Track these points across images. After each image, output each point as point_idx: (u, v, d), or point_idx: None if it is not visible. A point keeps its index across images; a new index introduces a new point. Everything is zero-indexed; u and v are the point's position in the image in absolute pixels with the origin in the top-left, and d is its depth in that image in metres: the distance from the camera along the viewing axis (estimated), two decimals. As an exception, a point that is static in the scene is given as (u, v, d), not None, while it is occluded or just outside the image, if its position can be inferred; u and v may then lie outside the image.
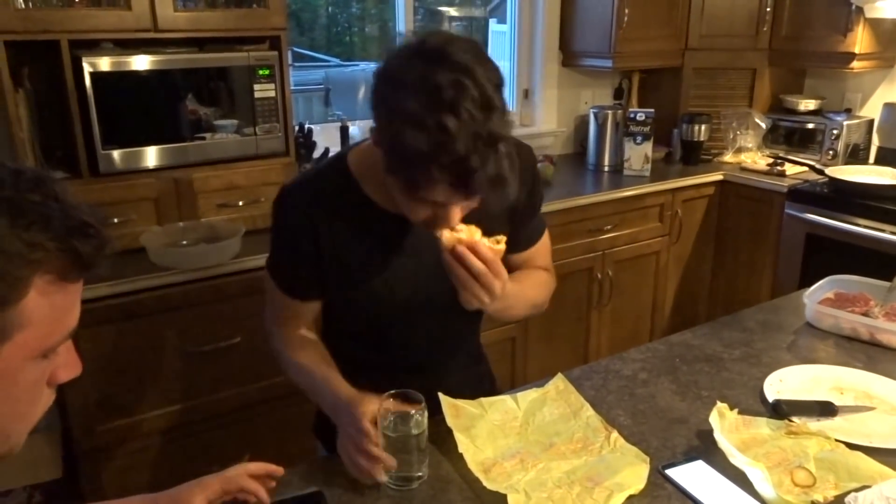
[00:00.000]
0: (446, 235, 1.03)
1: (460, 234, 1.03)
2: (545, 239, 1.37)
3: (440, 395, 1.16)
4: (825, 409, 1.21)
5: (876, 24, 2.91)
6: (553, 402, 1.24)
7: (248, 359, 2.06)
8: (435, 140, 0.91)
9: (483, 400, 1.21)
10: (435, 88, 0.92)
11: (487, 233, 1.06)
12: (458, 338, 1.37)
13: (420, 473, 1.08)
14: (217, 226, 2.09)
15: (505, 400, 1.23)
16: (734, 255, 3.18)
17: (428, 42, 0.97)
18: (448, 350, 1.35)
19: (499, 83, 0.98)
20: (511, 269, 1.22)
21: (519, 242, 1.28)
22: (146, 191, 2.05)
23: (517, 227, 1.25)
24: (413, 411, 1.06)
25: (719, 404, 1.15)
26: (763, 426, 1.16)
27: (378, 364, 1.30)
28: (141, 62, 1.97)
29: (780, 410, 1.19)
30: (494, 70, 0.98)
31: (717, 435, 1.09)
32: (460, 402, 1.17)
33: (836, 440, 1.11)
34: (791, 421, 1.16)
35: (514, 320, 1.40)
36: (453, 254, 1.03)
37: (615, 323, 3.03)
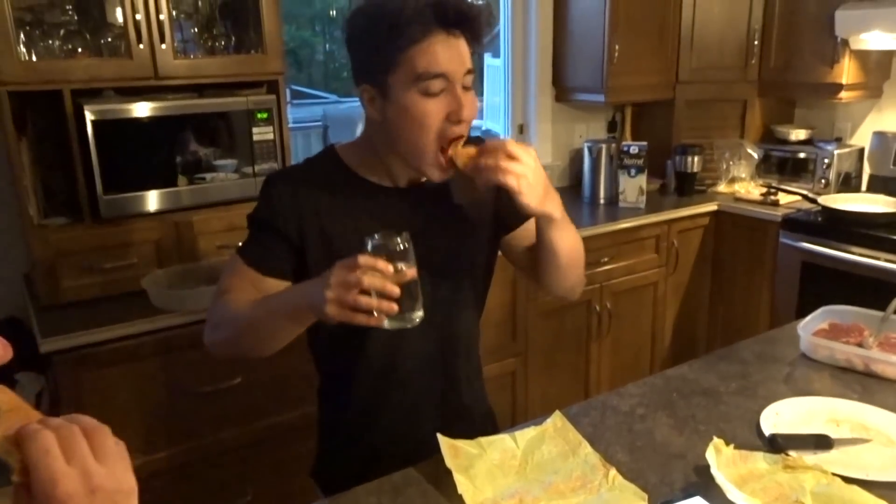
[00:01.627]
0: (454, 150, 1.11)
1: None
2: None
3: (438, 435, 1.16)
4: (821, 443, 1.21)
5: (862, 56, 2.97)
6: (551, 440, 1.24)
7: (248, 399, 2.07)
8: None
9: (481, 439, 1.22)
10: None
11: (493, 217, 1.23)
12: (459, 347, 1.35)
13: (419, 312, 1.04)
14: (217, 267, 2.11)
15: (503, 439, 1.24)
16: (731, 284, 3.20)
17: None
18: (449, 358, 1.33)
19: None
20: (529, 239, 1.32)
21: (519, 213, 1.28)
22: (147, 234, 2.07)
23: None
24: (397, 235, 1.03)
25: (715, 439, 1.16)
26: (760, 460, 1.17)
27: (373, 394, 1.29)
28: (142, 109, 2.01)
29: (777, 444, 1.20)
30: None
31: (714, 471, 1.10)
32: (458, 443, 1.18)
33: (833, 474, 1.11)
34: (787, 455, 1.17)
35: (568, 282, 1.32)
36: (474, 170, 1.09)
37: (615, 354, 3.04)
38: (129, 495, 0.57)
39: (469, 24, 1.10)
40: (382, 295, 0.98)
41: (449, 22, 1.08)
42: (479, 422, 1.40)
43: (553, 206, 1.18)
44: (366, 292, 0.97)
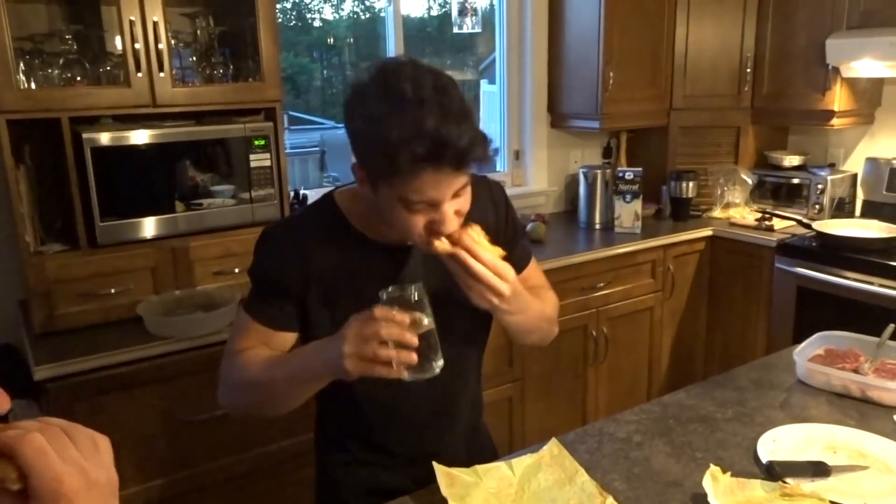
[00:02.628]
0: (441, 244, 1.07)
1: (463, 238, 1.08)
2: (534, 262, 1.41)
3: (434, 464, 1.16)
4: (819, 470, 1.21)
5: (853, 83, 3.01)
6: (548, 468, 1.24)
7: (243, 427, 2.05)
8: (409, 121, 0.99)
9: (478, 467, 1.21)
10: (398, 89, 1.01)
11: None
12: (459, 382, 1.35)
13: (439, 361, 1.03)
14: (213, 293, 2.11)
15: (500, 467, 1.23)
16: (728, 309, 3.20)
17: (387, 62, 1.08)
18: (449, 395, 1.33)
19: (454, 83, 1.07)
20: None
21: (512, 261, 1.29)
22: (143, 261, 2.07)
23: (510, 249, 1.27)
24: (411, 286, 1.03)
25: (712, 467, 1.16)
26: (758, 488, 1.16)
27: (373, 423, 1.29)
28: (140, 136, 2.03)
29: (774, 472, 1.20)
30: (448, 76, 1.08)
31: (712, 499, 1.09)
32: (455, 471, 1.18)
33: (831, 501, 1.11)
34: (785, 482, 1.17)
35: (531, 340, 1.38)
36: (454, 258, 1.07)
37: (612, 380, 3.03)
38: (116, 488, 0.59)
39: (464, 167, 1.05)
40: (401, 347, 0.98)
41: (443, 165, 1.02)
42: (479, 452, 1.39)
43: (515, 309, 1.19)
44: (384, 345, 0.98)
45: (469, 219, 1.29)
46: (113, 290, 2.03)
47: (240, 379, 1.18)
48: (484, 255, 1.08)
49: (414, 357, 0.99)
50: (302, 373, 1.11)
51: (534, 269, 1.40)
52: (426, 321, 1.02)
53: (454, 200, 1.09)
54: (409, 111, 0.99)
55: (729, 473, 1.18)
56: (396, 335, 0.98)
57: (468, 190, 1.11)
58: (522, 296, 1.20)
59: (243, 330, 1.22)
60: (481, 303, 1.11)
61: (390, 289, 1.03)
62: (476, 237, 1.10)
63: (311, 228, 1.22)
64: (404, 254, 1.23)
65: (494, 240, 1.15)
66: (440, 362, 1.04)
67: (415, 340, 0.99)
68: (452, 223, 1.09)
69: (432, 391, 1.29)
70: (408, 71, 1.03)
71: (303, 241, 1.20)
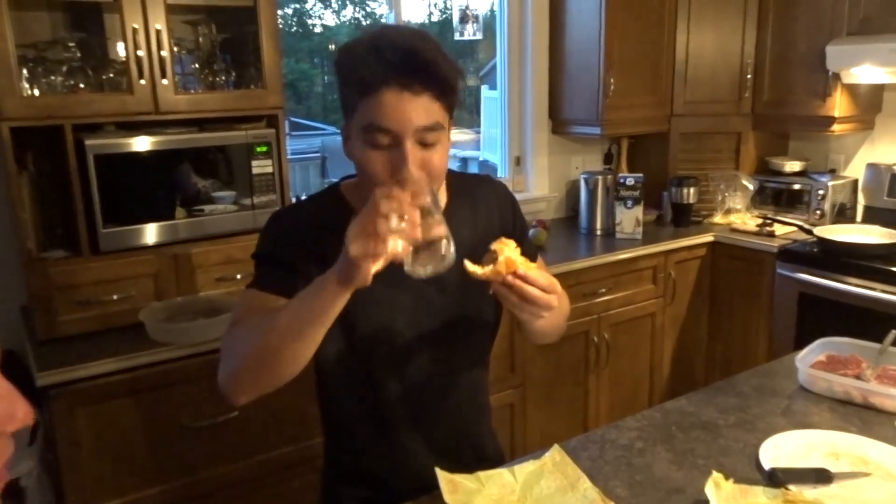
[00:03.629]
0: (487, 273, 1.04)
1: (499, 258, 1.04)
2: (542, 261, 1.40)
3: (437, 470, 1.16)
4: (821, 477, 1.21)
5: (853, 89, 3.01)
6: (550, 475, 1.24)
7: (244, 434, 2.05)
8: (381, 37, 1.06)
9: (480, 474, 1.21)
10: (380, 33, 1.09)
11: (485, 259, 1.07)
12: (464, 381, 1.34)
13: (451, 248, 0.98)
14: (215, 300, 2.11)
15: (502, 473, 1.23)
16: (729, 314, 3.20)
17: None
18: (453, 399, 1.32)
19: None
20: None
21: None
22: (146, 267, 2.08)
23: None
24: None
25: (714, 474, 1.16)
26: (760, 495, 1.16)
27: (375, 419, 1.28)
28: (142, 143, 2.03)
29: (776, 479, 1.20)
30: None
31: (714, 506, 1.09)
32: (457, 478, 1.17)
33: (833, 508, 1.11)
34: (787, 489, 1.16)
35: (548, 340, 1.36)
36: (506, 284, 1.05)
37: (614, 386, 3.02)
38: None
39: (426, 78, 1.05)
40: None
41: (402, 72, 1.03)
42: (486, 458, 1.39)
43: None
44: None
45: (476, 219, 1.30)
46: (115, 297, 2.03)
47: (242, 342, 1.07)
48: (537, 278, 1.06)
49: (418, 232, 0.93)
50: (307, 300, 1.01)
51: (542, 268, 1.40)
52: (437, 227, 0.97)
53: (422, 149, 1.07)
54: (383, 39, 1.05)
55: (731, 480, 1.17)
56: (396, 208, 0.92)
57: (441, 150, 1.10)
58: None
59: (245, 305, 1.15)
60: (532, 319, 1.10)
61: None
62: (513, 255, 1.05)
63: (316, 214, 1.22)
64: None
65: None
66: (452, 248, 0.98)
67: (416, 214, 0.93)
68: (414, 172, 1.04)
69: (440, 397, 1.29)
70: (399, 26, 1.12)
71: (307, 225, 1.20)
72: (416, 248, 0.97)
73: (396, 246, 0.92)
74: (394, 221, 0.91)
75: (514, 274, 1.05)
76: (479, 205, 1.33)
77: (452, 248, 0.99)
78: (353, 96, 1.08)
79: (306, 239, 1.18)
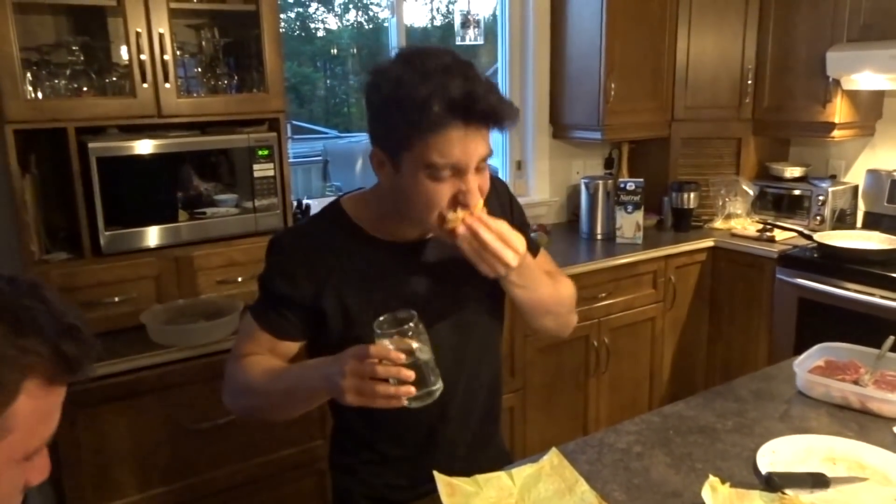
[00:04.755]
0: (451, 215, 1.10)
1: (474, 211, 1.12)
2: (545, 253, 1.45)
3: (435, 473, 1.16)
4: (818, 481, 1.21)
5: (853, 96, 3.02)
6: (548, 478, 1.24)
7: (244, 437, 2.06)
8: (437, 80, 1.04)
9: (478, 477, 1.21)
10: (421, 60, 1.07)
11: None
12: (474, 387, 1.35)
13: (438, 385, 1.05)
14: (216, 302, 2.12)
15: (500, 476, 1.23)
16: (729, 319, 3.20)
17: (404, 47, 1.16)
18: (463, 402, 1.33)
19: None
20: None
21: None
22: (147, 269, 2.09)
23: None
24: (406, 313, 1.05)
25: (711, 478, 1.16)
26: (757, 499, 1.17)
27: (387, 428, 1.29)
28: (145, 146, 2.04)
29: (773, 483, 1.20)
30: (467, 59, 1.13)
31: (711, 510, 1.10)
32: (455, 481, 1.18)
33: (830, 513, 1.11)
34: (784, 494, 1.17)
35: (547, 325, 1.36)
36: (466, 231, 1.10)
37: (614, 390, 3.03)
38: None
39: (489, 118, 1.09)
40: (399, 382, 1.01)
41: (472, 118, 1.06)
42: (492, 461, 1.39)
43: (524, 283, 1.22)
44: (382, 382, 1.00)
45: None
46: (116, 299, 2.04)
47: (242, 384, 1.20)
48: (493, 223, 1.11)
49: (412, 390, 1.01)
50: (303, 390, 1.14)
51: (545, 258, 1.44)
52: (422, 351, 1.04)
53: (478, 174, 1.12)
54: (435, 75, 1.04)
55: (728, 484, 1.18)
56: (394, 373, 1.00)
57: (488, 167, 1.14)
58: (533, 271, 1.24)
59: (249, 335, 1.24)
60: (490, 273, 1.13)
61: (383, 318, 1.05)
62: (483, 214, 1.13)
63: (320, 233, 1.24)
64: (414, 252, 1.24)
65: None
66: (439, 385, 1.06)
67: (411, 375, 1.01)
68: (477, 196, 1.11)
69: (450, 401, 1.29)
70: (428, 50, 1.10)
71: (312, 247, 1.21)
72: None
73: (389, 403, 1.01)
74: (391, 382, 1.00)
75: (472, 215, 1.11)
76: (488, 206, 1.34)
77: (438, 387, 1.06)
78: (409, 133, 1.07)
79: (312, 264, 1.20)
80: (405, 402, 1.02)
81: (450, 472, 1.17)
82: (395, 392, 1.00)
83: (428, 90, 1.03)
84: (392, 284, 1.21)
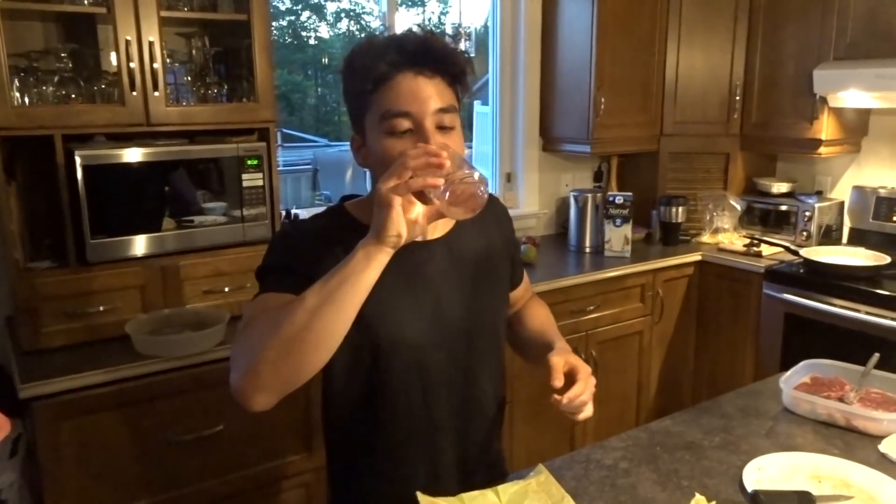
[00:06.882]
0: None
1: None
2: (526, 279, 1.54)
3: (418, 493, 1.15)
4: (803, 500, 1.21)
5: (840, 113, 3.05)
6: (534, 495, 1.23)
7: (229, 449, 2.04)
8: (391, 37, 1.11)
9: (464, 496, 1.20)
10: (380, 35, 1.14)
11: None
12: (478, 392, 1.34)
13: (479, 179, 0.98)
14: (202, 312, 2.11)
15: (485, 494, 1.23)
16: (716, 333, 3.21)
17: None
18: (467, 409, 1.32)
19: None
20: (513, 303, 1.45)
21: (516, 277, 1.46)
22: (133, 279, 2.07)
23: (515, 263, 1.44)
24: None
25: (697, 496, 1.16)
26: (743, 518, 1.17)
27: (392, 434, 1.27)
28: (132, 154, 2.03)
29: (759, 501, 1.20)
30: None
31: (697, 528, 1.09)
32: (440, 500, 1.17)
33: (815, 532, 1.11)
34: (770, 512, 1.17)
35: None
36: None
37: (601, 403, 2.99)
38: None
39: (439, 63, 1.10)
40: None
41: (416, 60, 1.09)
42: (491, 476, 1.38)
43: None
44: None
45: (476, 236, 1.31)
46: (101, 308, 2.02)
47: (260, 334, 0.98)
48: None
49: (448, 165, 0.94)
50: (339, 269, 0.97)
51: (526, 280, 1.52)
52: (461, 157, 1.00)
53: (441, 133, 1.10)
54: (391, 39, 1.11)
55: (714, 502, 1.18)
56: (425, 151, 0.96)
57: (457, 135, 1.13)
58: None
59: (259, 307, 1.08)
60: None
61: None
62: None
63: (324, 231, 1.21)
64: (419, 249, 1.22)
65: (512, 256, 1.37)
66: (484, 188, 0.98)
67: (444, 154, 0.95)
68: (439, 141, 1.08)
69: (450, 414, 1.29)
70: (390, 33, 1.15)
71: (320, 238, 1.18)
72: (449, 192, 0.96)
73: (426, 177, 0.94)
74: (423, 160, 0.94)
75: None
76: (484, 219, 1.33)
77: (484, 188, 0.98)
78: (365, 94, 1.11)
79: (317, 251, 1.15)
80: (451, 211, 0.97)
81: (448, 487, 1.16)
82: (430, 180, 0.94)
83: (381, 50, 1.09)
84: (396, 282, 1.19)
